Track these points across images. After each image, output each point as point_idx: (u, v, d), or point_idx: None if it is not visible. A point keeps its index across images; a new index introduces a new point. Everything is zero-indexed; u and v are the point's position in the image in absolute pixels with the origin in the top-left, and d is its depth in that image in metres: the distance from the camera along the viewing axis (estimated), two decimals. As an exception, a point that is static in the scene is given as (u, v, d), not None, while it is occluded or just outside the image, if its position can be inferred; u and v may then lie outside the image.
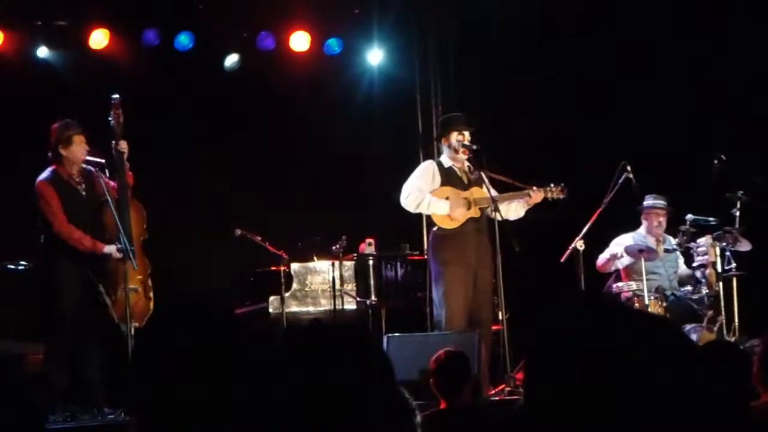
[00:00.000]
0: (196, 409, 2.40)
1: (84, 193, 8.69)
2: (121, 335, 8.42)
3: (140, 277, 8.81)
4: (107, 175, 8.71)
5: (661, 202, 10.52)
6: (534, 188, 9.61)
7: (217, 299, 10.24)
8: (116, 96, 8.84)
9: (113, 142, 8.72)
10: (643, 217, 10.61)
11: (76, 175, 8.68)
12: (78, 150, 8.63)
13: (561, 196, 9.67)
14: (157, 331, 2.58)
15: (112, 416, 8.26)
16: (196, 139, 11.55)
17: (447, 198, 9.42)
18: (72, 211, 8.58)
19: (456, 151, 9.52)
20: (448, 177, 9.50)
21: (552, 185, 9.66)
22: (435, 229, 9.46)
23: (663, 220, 10.52)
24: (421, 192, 9.37)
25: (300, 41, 12.12)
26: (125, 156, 8.72)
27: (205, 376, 2.42)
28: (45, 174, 8.65)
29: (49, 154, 8.68)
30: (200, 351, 2.45)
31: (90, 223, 8.62)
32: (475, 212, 9.46)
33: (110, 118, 8.78)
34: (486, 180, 9.52)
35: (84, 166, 8.69)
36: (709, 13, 11.29)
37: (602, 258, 10.51)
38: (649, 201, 10.55)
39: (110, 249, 8.53)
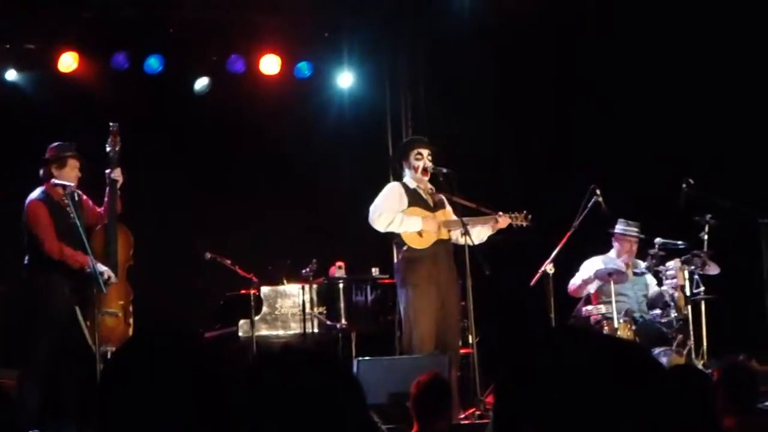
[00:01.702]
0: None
1: (72, 215, 8.66)
2: (92, 358, 8.38)
3: (122, 302, 8.83)
4: (76, 199, 8.70)
5: (634, 230, 10.53)
6: (500, 214, 9.62)
7: (189, 325, 10.25)
8: (115, 124, 8.93)
9: (108, 170, 8.80)
10: (615, 241, 10.63)
11: (64, 197, 8.67)
12: (69, 173, 8.67)
13: (524, 224, 9.69)
14: (125, 357, 2.57)
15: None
16: (166, 163, 11.53)
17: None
18: (61, 232, 8.57)
19: (416, 170, 9.51)
20: (414, 198, 9.48)
21: (516, 213, 9.68)
22: (404, 249, 9.39)
23: (634, 247, 10.55)
24: (392, 211, 9.34)
25: (270, 64, 12.13)
26: (119, 184, 8.82)
27: (174, 403, 2.41)
28: (36, 193, 8.68)
29: (41, 172, 8.70)
30: (169, 377, 2.44)
31: (78, 246, 8.58)
32: (444, 234, 9.45)
33: (107, 146, 8.87)
34: (447, 203, 9.56)
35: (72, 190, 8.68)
36: (681, 39, 11.38)
37: (574, 284, 10.53)
38: (621, 226, 10.56)
39: (101, 268, 8.52)
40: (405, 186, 9.52)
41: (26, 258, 8.67)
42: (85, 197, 8.80)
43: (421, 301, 9.23)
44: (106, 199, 8.91)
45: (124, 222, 9.16)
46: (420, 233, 9.36)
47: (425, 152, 9.54)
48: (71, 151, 8.73)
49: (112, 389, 2.49)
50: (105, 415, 2.47)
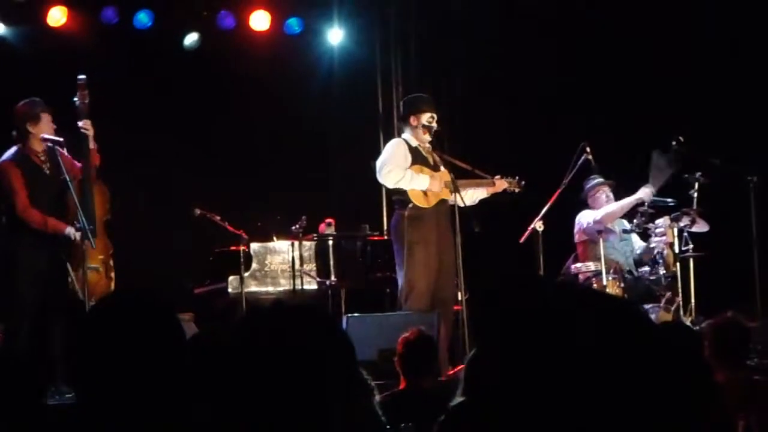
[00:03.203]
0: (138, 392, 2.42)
1: (48, 171, 8.62)
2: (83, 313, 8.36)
3: (102, 256, 8.77)
4: (65, 152, 8.65)
5: (597, 179, 10.52)
6: (497, 177, 9.64)
7: (159, 292, 10.24)
8: (83, 77, 8.80)
9: (78, 122, 8.69)
10: (592, 198, 10.57)
11: (41, 153, 8.62)
12: (45, 128, 8.58)
13: (516, 190, 9.72)
14: (95, 320, 2.61)
15: (71, 395, 8.21)
16: (155, 118, 11.49)
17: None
18: (36, 190, 8.52)
19: (424, 131, 9.44)
20: (417, 156, 9.43)
21: (510, 178, 9.70)
22: (410, 207, 9.32)
23: (611, 194, 10.54)
24: (401, 168, 9.30)
25: (260, 20, 12.07)
26: (90, 136, 8.70)
27: (143, 365, 2.44)
28: (9, 153, 8.59)
29: (14, 132, 8.61)
30: (138, 340, 2.47)
31: (54, 202, 8.56)
32: (446, 194, 9.41)
33: (75, 99, 8.75)
34: (440, 162, 9.54)
35: (47, 144, 8.61)
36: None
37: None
38: (588, 183, 10.55)
39: (70, 231, 8.48)
40: (407, 143, 9.48)
41: (3, 218, 8.64)
42: (62, 151, 8.69)
43: (421, 258, 9.22)
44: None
45: (109, 177, 9.11)
46: (425, 192, 9.34)
47: (436, 116, 9.48)
48: (42, 105, 8.63)
49: (84, 348, 2.52)
50: (78, 374, 2.50)
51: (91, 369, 2.47)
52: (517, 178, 9.74)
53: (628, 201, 10.30)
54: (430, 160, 9.52)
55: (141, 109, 11.38)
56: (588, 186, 10.53)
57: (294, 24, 12.29)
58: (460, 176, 9.49)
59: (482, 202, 9.66)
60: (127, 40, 11.52)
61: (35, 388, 2.67)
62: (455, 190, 9.22)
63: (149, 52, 11.60)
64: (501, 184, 9.65)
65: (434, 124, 9.44)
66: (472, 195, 9.55)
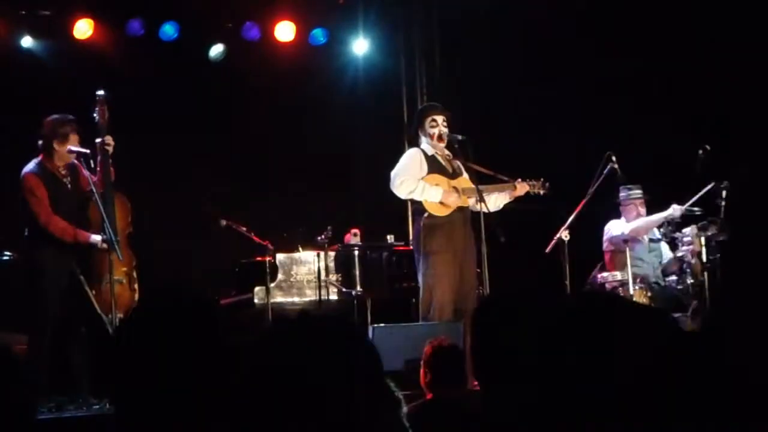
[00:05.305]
0: (177, 401, 2.39)
1: (69, 186, 8.65)
2: (104, 326, 8.38)
3: (125, 269, 8.79)
4: (91, 165, 8.65)
5: (637, 192, 10.53)
6: (519, 181, 9.62)
7: (201, 289, 10.25)
8: (101, 92, 8.82)
9: (98, 139, 8.69)
10: (624, 209, 10.59)
11: (62, 167, 8.63)
12: (72, 146, 8.58)
13: (542, 192, 9.69)
14: (138, 322, 2.57)
15: (98, 407, 8.23)
16: (181, 130, 11.51)
17: (437, 185, 9.38)
18: (57, 203, 8.54)
19: (432, 137, 9.47)
20: (434, 165, 9.46)
21: (534, 180, 9.68)
22: (425, 216, 9.36)
23: (643, 209, 10.54)
24: (414, 178, 9.32)
25: (285, 31, 12.09)
26: (110, 152, 8.69)
27: (186, 368, 2.41)
28: (31, 165, 8.60)
29: (40, 143, 8.62)
30: (182, 341, 2.43)
31: (75, 216, 8.59)
32: (463, 201, 9.43)
33: (95, 114, 8.75)
34: (464, 169, 9.54)
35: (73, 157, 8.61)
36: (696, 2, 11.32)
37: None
38: (624, 192, 10.56)
39: (95, 239, 8.51)
40: (424, 152, 9.49)
41: (26, 230, 8.65)
42: (81, 167, 8.67)
43: (440, 268, 9.22)
44: (98, 168, 8.72)
45: (134, 188, 9.13)
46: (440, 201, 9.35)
47: (440, 119, 9.50)
48: (72, 124, 8.63)
49: (121, 355, 2.49)
50: (116, 380, 2.48)
51: (134, 377, 2.43)
52: (541, 180, 9.73)
53: (658, 218, 10.30)
54: (449, 168, 9.53)
55: (166, 121, 11.40)
56: (624, 195, 10.55)
57: (319, 35, 12.30)
58: (482, 182, 9.48)
59: (508, 210, 9.63)
60: (153, 52, 11.56)
61: (23, 406, 2.64)
62: (480, 198, 9.22)
63: (175, 64, 11.63)
64: (523, 187, 9.64)
65: (438, 128, 9.43)
66: (495, 200, 9.54)
